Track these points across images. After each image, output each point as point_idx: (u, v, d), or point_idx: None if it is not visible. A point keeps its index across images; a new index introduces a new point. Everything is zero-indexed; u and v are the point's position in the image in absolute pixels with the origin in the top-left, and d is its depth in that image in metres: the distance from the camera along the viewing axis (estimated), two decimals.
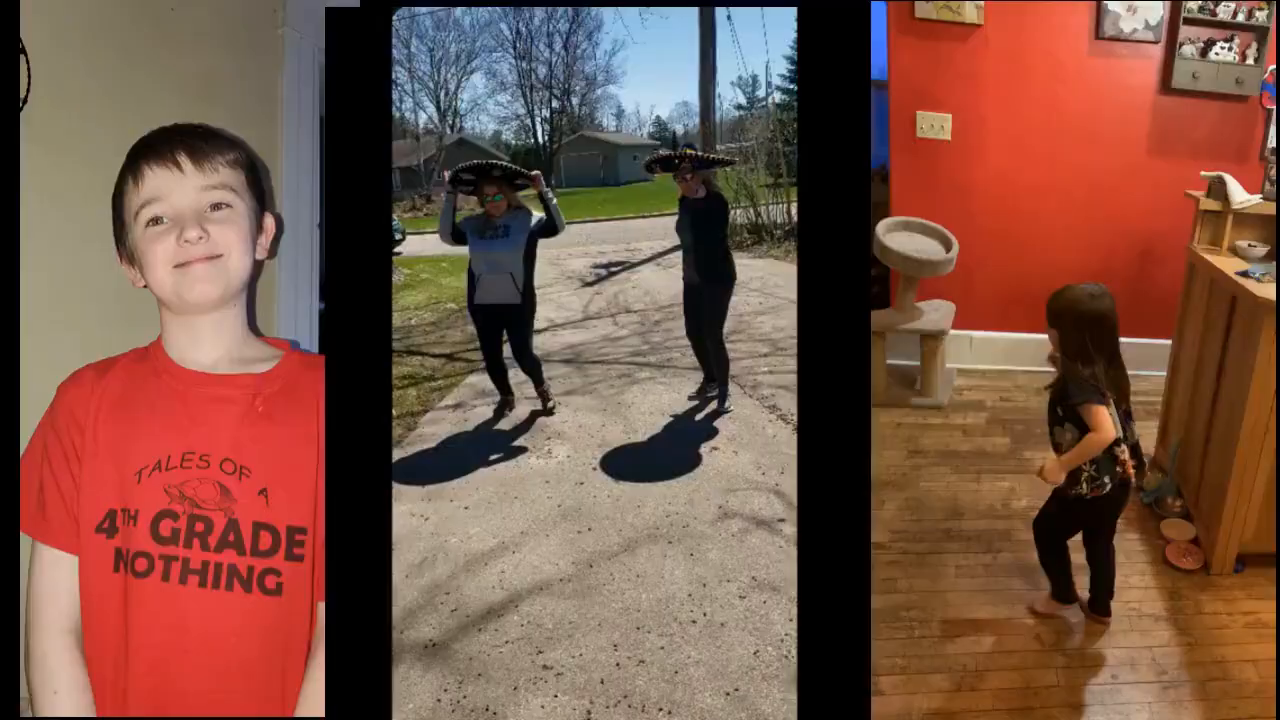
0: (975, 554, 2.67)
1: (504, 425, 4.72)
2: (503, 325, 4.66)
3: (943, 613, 2.36)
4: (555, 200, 4.57)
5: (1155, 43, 3.62)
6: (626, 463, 4.02)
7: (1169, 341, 3.15)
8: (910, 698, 2.16)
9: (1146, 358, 3.66)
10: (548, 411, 4.79)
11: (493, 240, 4.47)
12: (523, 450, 4.26)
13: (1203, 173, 3.01)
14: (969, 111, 3.73)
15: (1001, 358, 3.98)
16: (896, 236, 3.63)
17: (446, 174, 4.63)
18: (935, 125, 3.75)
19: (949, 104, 3.73)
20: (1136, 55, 3.63)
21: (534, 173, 4.62)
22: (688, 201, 4.59)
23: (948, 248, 3.58)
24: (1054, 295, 2.26)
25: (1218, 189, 2.91)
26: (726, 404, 4.69)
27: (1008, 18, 3.59)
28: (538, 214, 4.56)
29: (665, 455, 4.08)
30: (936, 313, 3.75)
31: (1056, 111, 3.71)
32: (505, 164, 4.76)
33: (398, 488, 3.74)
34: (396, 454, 4.23)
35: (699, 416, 4.65)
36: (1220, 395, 2.62)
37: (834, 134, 1.64)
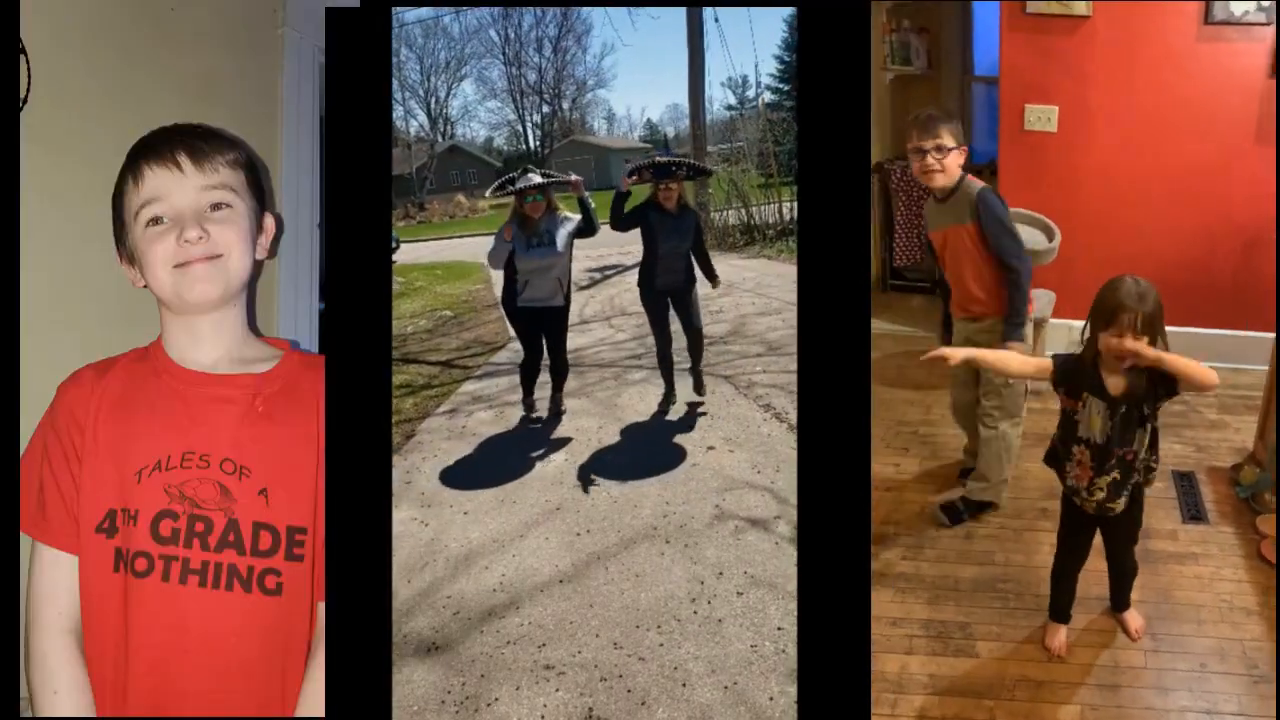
0: None
1: (499, 429, 4.72)
2: (544, 326, 4.69)
3: (1036, 588, 2.39)
4: (593, 204, 4.63)
5: (1267, 24, 3.48)
6: (614, 463, 4.03)
7: (1272, 335, 3.08)
8: (1003, 663, 2.25)
9: (1248, 350, 3.64)
10: (557, 416, 4.82)
11: (539, 248, 4.50)
12: (530, 455, 4.26)
13: None
14: (1076, 103, 3.74)
15: None
16: None
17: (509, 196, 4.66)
18: (1042, 117, 3.77)
19: (1056, 96, 3.75)
20: (1247, 38, 3.53)
21: (575, 178, 4.70)
22: (660, 210, 4.53)
23: (1050, 237, 3.58)
24: (1141, 294, 2.04)
25: None
26: (703, 390, 4.80)
27: (1117, 8, 3.59)
28: (572, 215, 4.61)
29: (652, 453, 4.10)
30: (1038, 301, 3.73)
31: (1163, 100, 3.67)
32: (553, 174, 4.85)
33: (403, 491, 3.74)
34: (434, 463, 4.21)
35: (682, 413, 4.68)
36: None
37: (834, 135, 1.65)
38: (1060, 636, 2.29)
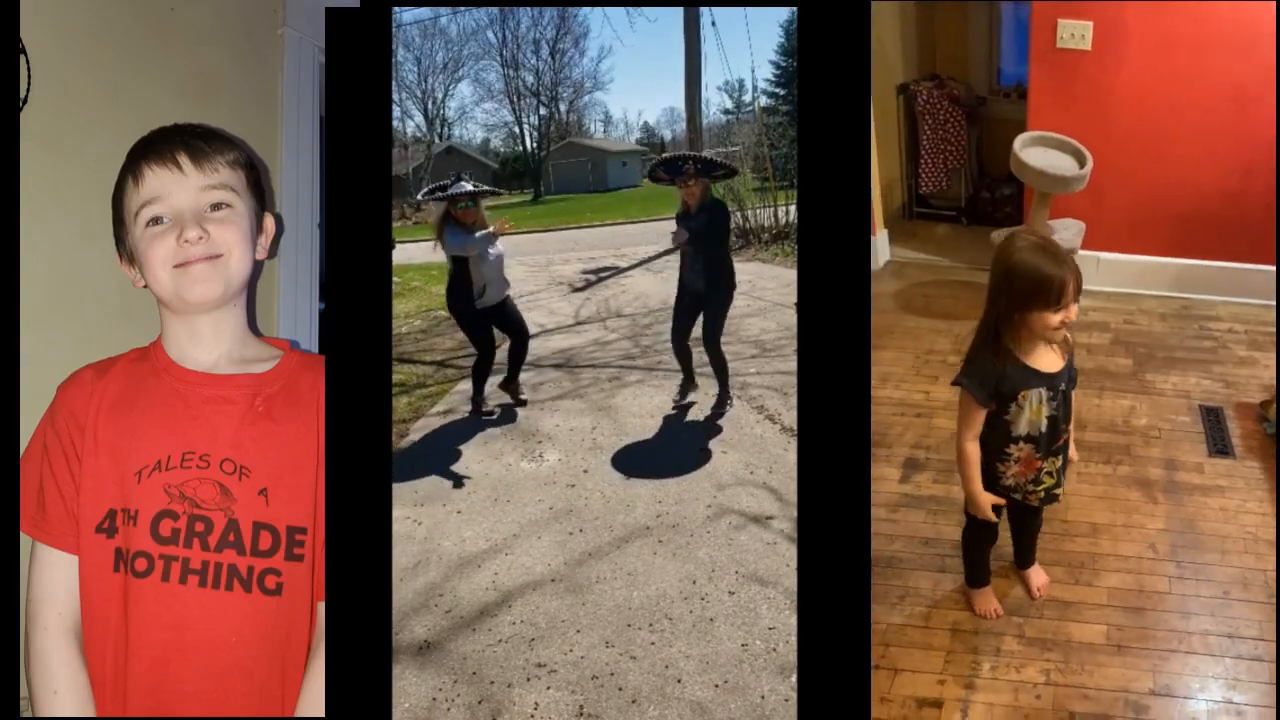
0: (1095, 464, 2.76)
1: (495, 430, 4.72)
2: (497, 321, 4.90)
3: (1064, 514, 2.42)
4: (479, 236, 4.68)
5: None
6: (633, 463, 4.02)
7: None
8: None
9: None
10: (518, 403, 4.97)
11: (489, 247, 4.73)
12: (513, 454, 4.26)
13: None
14: (1111, 19, 3.54)
15: (1127, 280, 3.87)
16: (1032, 152, 3.50)
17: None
18: (1076, 34, 3.58)
19: (1090, 12, 3.54)
20: None
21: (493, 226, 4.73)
22: (688, 209, 4.50)
23: (1081, 163, 3.45)
24: (1066, 256, 1.85)
25: None
26: (727, 406, 4.67)
27: None
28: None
29: (668, 456, 4.08)
30: (1067, 231, 3.63)
31: (1203, 18, 3.45)
32: (483, 186, 5.02)
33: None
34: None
35: (702, 418, 4.63)
36: None
37: (835, 135, 1.65)
38: (991, 599, 2.22)
